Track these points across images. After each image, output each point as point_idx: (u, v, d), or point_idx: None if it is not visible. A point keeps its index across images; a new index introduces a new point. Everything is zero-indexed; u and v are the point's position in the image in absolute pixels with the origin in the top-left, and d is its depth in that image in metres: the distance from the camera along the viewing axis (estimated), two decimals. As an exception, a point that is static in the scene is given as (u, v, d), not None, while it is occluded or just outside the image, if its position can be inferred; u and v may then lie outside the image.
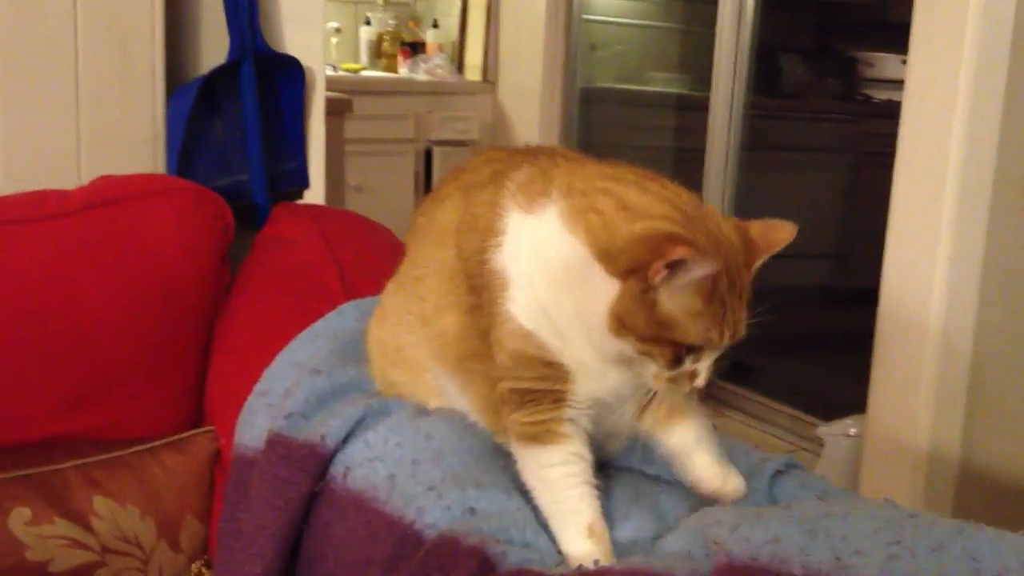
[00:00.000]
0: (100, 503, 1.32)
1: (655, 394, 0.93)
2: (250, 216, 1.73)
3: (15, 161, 1.65)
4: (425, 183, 4.25)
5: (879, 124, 4.37)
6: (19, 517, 1.27)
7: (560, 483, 0.95)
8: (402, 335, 1.10)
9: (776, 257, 0.93)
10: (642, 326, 0.85)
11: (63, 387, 1.39)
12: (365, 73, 4.47)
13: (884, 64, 4.51)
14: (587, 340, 0.90)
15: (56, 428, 1.38)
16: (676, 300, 0.85)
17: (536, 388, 0.93)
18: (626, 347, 0.87)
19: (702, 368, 0.90)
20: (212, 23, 1.79)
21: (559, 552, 0.95)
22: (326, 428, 1.14)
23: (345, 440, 1.14)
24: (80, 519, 1.30)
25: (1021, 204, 2.35)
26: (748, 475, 1.03)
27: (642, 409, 0.96)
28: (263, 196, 1.79)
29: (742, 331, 0.89)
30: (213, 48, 1.79)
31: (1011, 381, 2.45)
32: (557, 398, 0.94)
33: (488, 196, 0.96)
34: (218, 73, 1.76)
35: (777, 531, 0.81)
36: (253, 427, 1.25)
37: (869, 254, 2.57)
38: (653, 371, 0.89)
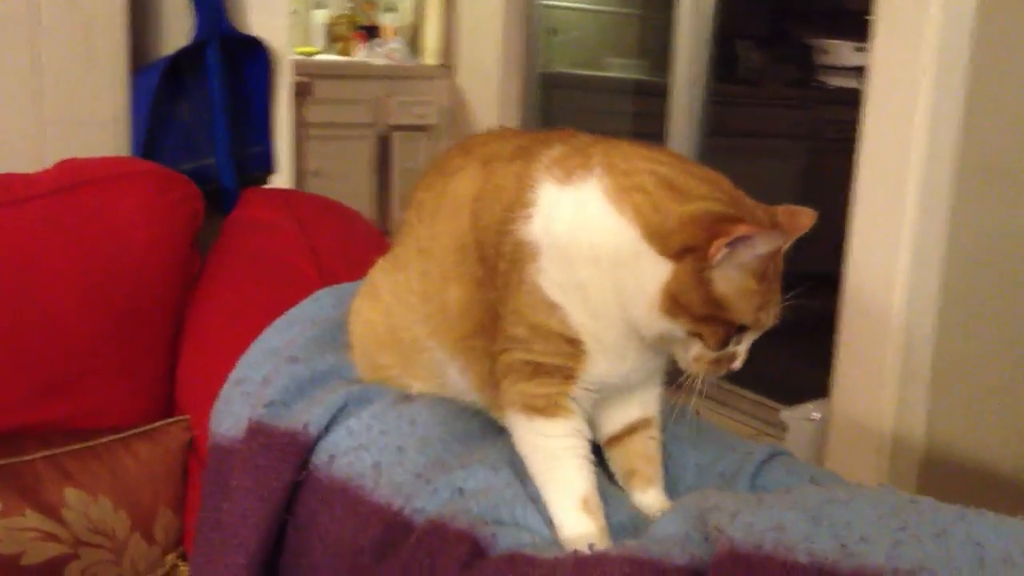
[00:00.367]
0: (72, 495, 1.29)
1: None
2: (217, 201, 1.70)
3: (-23, 145, 1.61)
4: (383, 168, 4.21)
5: (834, 111, 4.42)
6: (-12, 510, 1.24)
7: (560, 454, 0.95)
8: (398, 314, 1.09)
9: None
10: (697, 305, 0.86)
11: (31, 375, 1.35)
12: (320, 57, 4.41)
13: (839, 51, 4.55)
14: (620, 319, 0.90)
15: (25, 417, 1.35)
16: (732, 280, 0.85)
17: (548, 362, 0.93)
18: (675, 327, 0.87)
19: (742, 350, 0.91)
20: (177, 3, 1.74)
21: (550, 526, 0.94)
22: (308, 416, 1.13)
23: (328, 428, 1.12)
24: (51, 511, 1.27)
25: (983, 190, 2.38)
26: (734, 473, 1.04)
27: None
28: (231, 180, 1.75)
29: (779, 313, 0.90)
30: (178, 29, 1.75)
31: (973, 364, 2.49)
32: (568, 374, 0.93)
33: (517, 168, 0.95)
34: (183, 55, 1.72)
35: (780, 517, 0.80)
36: (230, 416, 1.23)
37: (827, 240, 2.59)
38: (695, 353, 0.89)
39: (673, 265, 0.85)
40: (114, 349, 1.40)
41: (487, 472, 0.99)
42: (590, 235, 0.89)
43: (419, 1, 4.49)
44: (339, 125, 4.04)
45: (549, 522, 0.95)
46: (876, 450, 2.40)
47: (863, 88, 2.42)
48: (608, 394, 0.98)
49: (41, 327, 1.35)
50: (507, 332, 0.94)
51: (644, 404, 1.02)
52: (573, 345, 0.92)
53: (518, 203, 0.92)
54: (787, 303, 0.91)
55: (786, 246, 0.90)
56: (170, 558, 1.35)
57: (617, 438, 1.02)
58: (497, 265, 0.94)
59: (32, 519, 1.25)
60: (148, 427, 1.38)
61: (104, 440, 1.35)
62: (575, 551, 0.88)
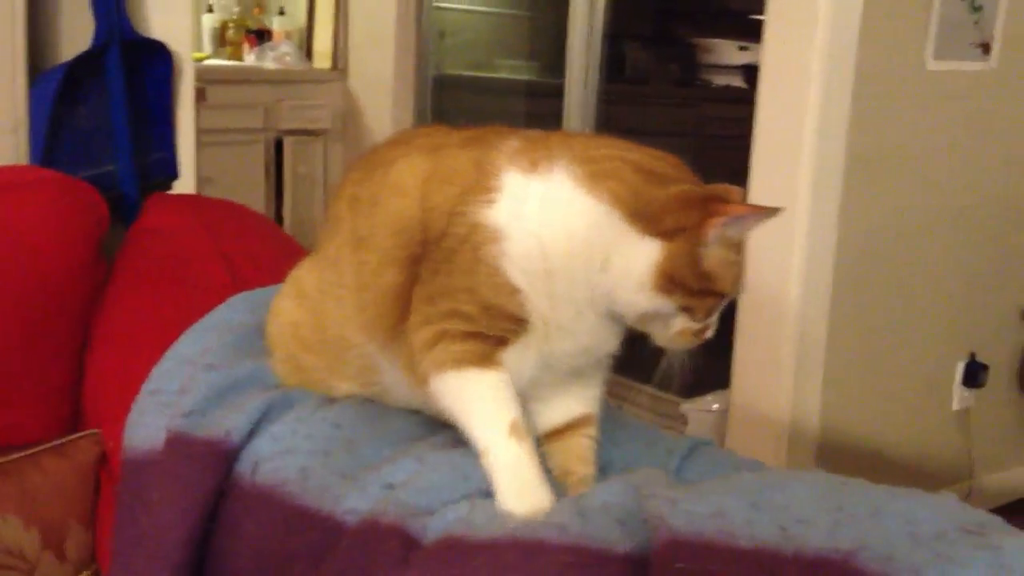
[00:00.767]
0: (-21, 515, 1.24)
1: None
2: (118, 209, 1.66)
3: None
4: (276, 173, 4.15)
5: (719, 108, 4.52)
6: None
7: (487, 393, 0.95)
8: (327, 311, 1.08)
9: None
10: (691, 280, 0.91)
11: (-69, 392, 1.30)
12: (209, 62, 4.33)
13: (721, 50, 4.65)
14: (584, 301, 0.93)
15: (-74, 436, 1.29)
16: (717, 254, 0.91)
17: (489, 333, 0.94)
18: (667, 303, 0.91)
19: (713, 320, 0.96)
20: (75, 6, 1.69)
21: (483, 495, 0.93)
22: (230, 423, 1.11)
23: (251, 435, 1.11)
24: (-41, 533, 1.22)
25: (868, 186, 2.47)
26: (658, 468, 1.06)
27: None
28: (133, 187, 1.71)
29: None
30: (78, 33, 1.70)
31: (862, 355, 2.58)
32: (502, 341, 0.95)
33: (474, 155, 0.97)
34: (83, 59, 1.67)
35: (720, 504, 0.82)
36: (145, 427, 1.20)
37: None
38: (679, 327, 0.94)
39: (665, 244, 0.89)
40: (19, 362, 1.35)
41: (413, 463, 0.99)
42: (564, 221, 0.91)
43: (310, 5, 4.44)
44: (231, 131, 3.97)
45: (483, 492, 0.94)
46: (775, 437, 2.47)
47: (751, 86, 2.49)
48: (552, 377, 0.99)
49: (-59, 341, 1.30)
50: (449, 307, 0.94)
51: (585, 401, 1.04)
52: (519, 324, 0.94)
53: (479, 187, 0.94)
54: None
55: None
56: None
57: (557, 433, 1.03)
58: (440, 242, 0.95)
59: (-61, 541, 1.20)
60: (58, 442, 1.34)
61: (11, 458, 1.30)
62: (513, 531, 0.87)
